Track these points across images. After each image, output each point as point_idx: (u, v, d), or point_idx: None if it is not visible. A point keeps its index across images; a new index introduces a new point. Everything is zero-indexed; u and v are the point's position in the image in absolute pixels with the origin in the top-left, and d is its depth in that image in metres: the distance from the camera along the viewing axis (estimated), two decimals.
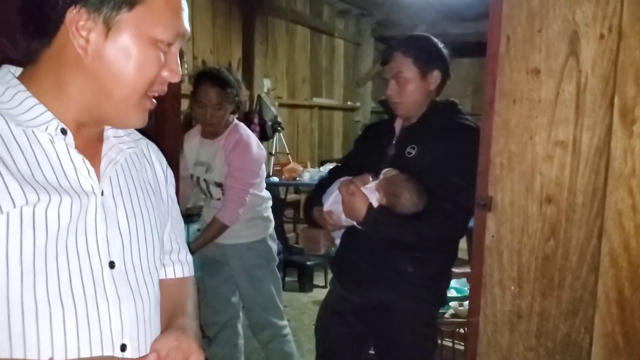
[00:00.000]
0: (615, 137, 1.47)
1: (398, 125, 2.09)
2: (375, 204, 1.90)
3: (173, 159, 2.20)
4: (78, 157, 0.94)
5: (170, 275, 1.17)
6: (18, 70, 0.97)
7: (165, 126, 2.11)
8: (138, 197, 1.04)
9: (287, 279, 5.05)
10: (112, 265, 0.95)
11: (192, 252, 2.83)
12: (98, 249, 0.93)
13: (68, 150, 0.93)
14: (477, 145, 1.65)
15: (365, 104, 8.30)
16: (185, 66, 4.59)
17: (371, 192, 1.90)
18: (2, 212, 0.84)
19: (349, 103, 7.92)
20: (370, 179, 1.94)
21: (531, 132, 1.56)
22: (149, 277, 1.03)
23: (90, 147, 0.98)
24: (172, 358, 0.97)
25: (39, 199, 0.87)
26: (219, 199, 2.82)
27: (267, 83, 5.77)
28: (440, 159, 1.89)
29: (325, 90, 7.36)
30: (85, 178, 0.94)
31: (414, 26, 7.96)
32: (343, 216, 1.97)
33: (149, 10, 0.92)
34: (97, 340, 0.92)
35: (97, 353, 0.92)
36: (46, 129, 0.91)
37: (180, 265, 1.20)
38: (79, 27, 0.90)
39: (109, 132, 1.02)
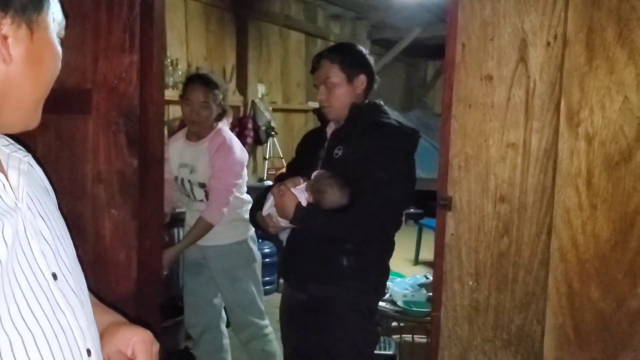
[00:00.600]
0: (562, 139, 1.55)
1: (330, 129, 2.21)
2: (304, 203, 2.01)
3: (158, 164, 2.30)
4: None
5: None
6: None
7: (149, 132, 2.20)
8: (46, 204, 1.01)
9: (281, 280, 5.14)
10: (54, 276, 0.93)
11: (178, 251, 2.94)
12: (38, 264, 0.91)
13: None
14: (398, 141, 1.76)
15: None
16: (179, 73, 4.68)
17: (301, 192, 2.01)
18: None
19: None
20: (302, 180, 2.05)
21: (485, 135, 1.65)
22: (81, 278, 1.03)
23: None
24: (141, 351, 1.02)
25: None
26: (202, 201, 2.92)
27: (261, 88, 5.86)
28: (363, 156, 2.01)
29: None
30: (4, 194, 0.88)
31: (409, 28, 8.08)
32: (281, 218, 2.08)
33: (52, 9, 0.91)
34: (68, 353, 0.92)
35: None
36: None
37: None
38: (2, 33, 0.85)
39: None
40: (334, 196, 1.99)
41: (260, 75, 5.94)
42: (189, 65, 5.00)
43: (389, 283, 3.19)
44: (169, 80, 4.54)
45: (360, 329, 2.14)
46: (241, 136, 5.39)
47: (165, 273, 2.96)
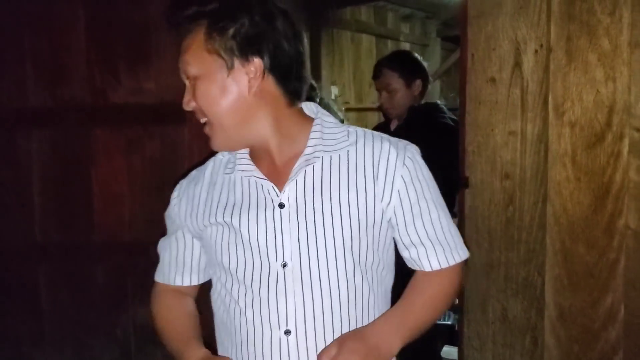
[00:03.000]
0: (550, 126, 1.94)
1: (393, 125, 2.63)
2: None
3: None
4: None
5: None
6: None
7: None
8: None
9: None
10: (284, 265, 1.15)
11: None
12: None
13: None
14: (450, 138, 2.16)
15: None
16: None
17: None
18: None
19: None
20: None
21: (492, 126, 2.05)
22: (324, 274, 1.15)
23: None
24: None
25: None
26: None
27: (334, 90, 6.33)
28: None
29: None
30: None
31: None
32: None
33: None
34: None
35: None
36: None
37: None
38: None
39: None
40: None
41: (333, 78, 6.41)
42: None
43: None
44: None
45: None
46: None
47: None
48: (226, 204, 1.22)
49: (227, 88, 1.16)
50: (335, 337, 1.13)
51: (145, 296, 2.65)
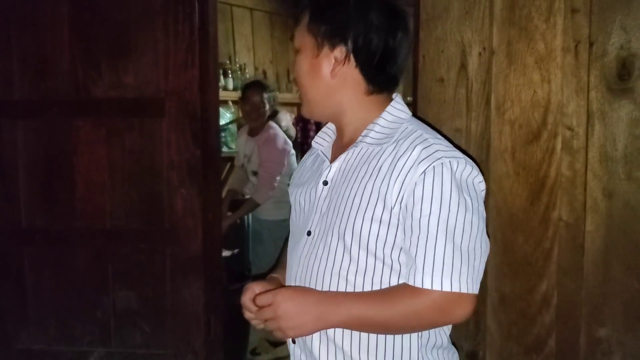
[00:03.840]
0: (492, 124, 2.07)
1: None
2: None
3: (216, 154, 2.94)
4: None
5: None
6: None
7: (208, 129, 2.81)
8: None
9: None
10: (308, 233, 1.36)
11: (230, 221, 3.62)
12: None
13: None
14: None
15: None
16: (247, 77, 5.34)
17: None
18: None
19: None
20: None
21: (440, 124, 2.18)
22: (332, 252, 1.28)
23: None
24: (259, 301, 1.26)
25: None
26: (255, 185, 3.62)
27: None
28: None
29: None
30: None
31: None
32: None
33: None
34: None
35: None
36: None
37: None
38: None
39: None
40: None
41: None
42: (256, 69, 5.65)
43: None
44: (237, 84, 5.21)
45: None
46: (305, 130, 6.03)
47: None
48: (303, 170, 1.51)
49: (314, 66, 1.32)
50: None
51: (124, 280, 2.80)
